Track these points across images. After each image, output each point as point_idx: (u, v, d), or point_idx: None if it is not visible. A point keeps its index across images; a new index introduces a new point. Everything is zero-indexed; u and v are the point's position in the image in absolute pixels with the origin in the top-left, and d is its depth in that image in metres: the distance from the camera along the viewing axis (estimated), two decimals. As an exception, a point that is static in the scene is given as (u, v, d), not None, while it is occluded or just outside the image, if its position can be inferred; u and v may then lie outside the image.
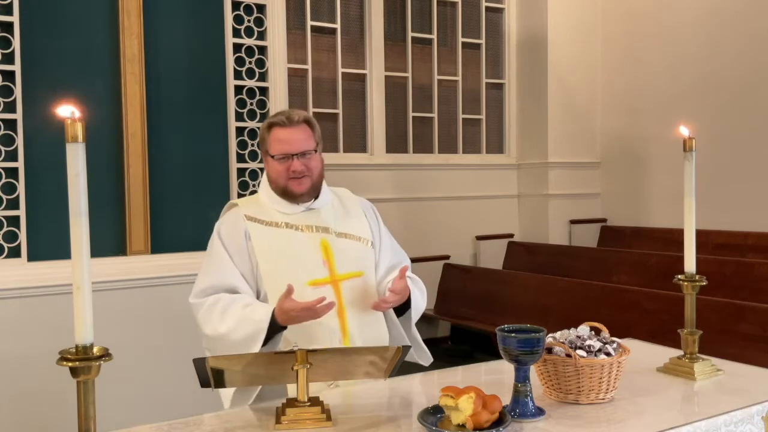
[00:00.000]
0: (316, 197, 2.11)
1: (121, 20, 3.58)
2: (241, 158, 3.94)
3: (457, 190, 6.51)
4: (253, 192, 3.96)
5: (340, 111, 5.98)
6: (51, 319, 3.17)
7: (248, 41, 3.94)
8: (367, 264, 2.11)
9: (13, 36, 3.32)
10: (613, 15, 6.76)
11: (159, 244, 3.69)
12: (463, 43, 6.68)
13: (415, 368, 2.14)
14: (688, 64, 6.07)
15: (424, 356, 2.19)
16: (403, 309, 2.11)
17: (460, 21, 6.66)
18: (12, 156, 3.35)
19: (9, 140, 3.35)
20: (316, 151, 2.06)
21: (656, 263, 5.40)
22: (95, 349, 1.21)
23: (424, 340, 2.22)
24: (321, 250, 2.05)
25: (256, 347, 1.88)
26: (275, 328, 1.90)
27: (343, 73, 6.05)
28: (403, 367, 2.00)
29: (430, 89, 6.56)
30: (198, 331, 2.01)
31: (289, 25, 5.25)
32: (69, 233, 1.19)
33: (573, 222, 6.82)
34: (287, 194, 2.06)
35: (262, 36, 4.00)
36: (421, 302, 2.18)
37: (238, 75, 3.91)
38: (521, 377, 1.61)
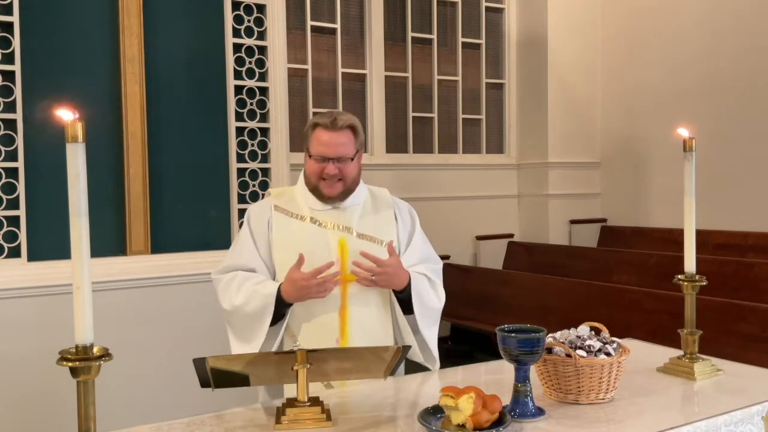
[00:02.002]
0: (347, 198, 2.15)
1: (121, 20, 3.58)
2: (241, 158, 3.94)
3: (457, 190, 6.51)
4: (254, 192, 3.97)
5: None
6: (51, 319, 3.16)
7: (248, 41, 3.94)
8: None
9: (13, 36, 3.32)
10: (613, 15, 6.76)
11: (159, 244, 3.69)
12: (463, 43, 6.68)
13: (415, 368, 2.14)
14: (688, 64, 6.07)
15: (431, 360, 2.15)
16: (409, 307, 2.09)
17: (460, 21, 6.65)
18: (12, 156, 3.34)
19: (9, 140, 3.34)
20: (353, 159, 2.09)
21: (656, 263, 5.40)
22: (95, 349, 1.21)
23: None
24: (338, 247, 2.08)
25: (267, 320, 1.98)
26: (284, 303, 1.99)
27: (343, 73, 6.05)
28: (404, 367, 2.00)
29: (430, 89, 6.56)
30: (217, 306, 2.13)
31: (289, 25, 5.24)
32: (69, 233, 1.20)
33: (573, 222, 6.82)
34: (317, 193, 2.12)
35: (262, 36, 4.00)
36: (430, 294, 2.12)
37: (238, 75, 3.91)
38: (521, 377, 1.61)
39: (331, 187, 2.08)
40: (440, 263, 2.28)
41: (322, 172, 2.06)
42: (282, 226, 2.10)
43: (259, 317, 1.99)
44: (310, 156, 2.09)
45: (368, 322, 2.06)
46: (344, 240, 2.09)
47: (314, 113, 5.83)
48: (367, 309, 2.07)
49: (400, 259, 2.08)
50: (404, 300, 2.07)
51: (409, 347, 1.76)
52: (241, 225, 3.85)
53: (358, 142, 2.11)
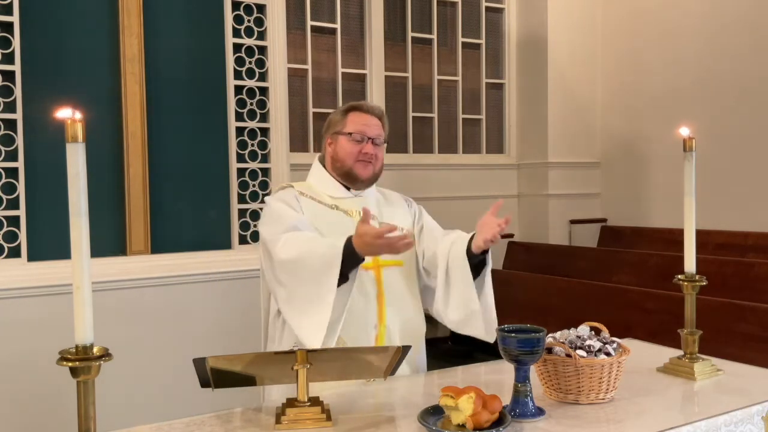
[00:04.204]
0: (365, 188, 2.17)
1: (121, 20, 3.58)
2: (241, 158, 3.94)
3: (457, 190, 6.51)
4: (254, 192, 3.97)
5: (340, 111, 5.97)
6: (51, 319, 3.16)
7: (248, 41, 3.94)
8: (407, 255, 2.12)
9: (13, 36, 3.32)
10: (613, 15, 6.76)
11: (159, 244, 3.68)
12: (463, 43, 6.68)
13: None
14: (688, 63, 6.07)
15: (491, 329, 2.08)
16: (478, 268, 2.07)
17: (460, 21, 6.65)
18: (12, 156, 3.35)
19: (9, 140, 3.34)
20: (386, 143, 2.15)
21: (656, 263, 5.40)
22: (95, 349, 1.21)
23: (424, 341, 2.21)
24: None
25: (335, 266, 1.82)
26: (351, 259, 1.85)
27: (343, 73, 6.05)
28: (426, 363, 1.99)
29: (430, 89, 6.56)
30: (268, 265, 1.97)
31: (289, 25, 5.24)
32: (69, 233, 1.19)
33: (573, 222, 6.81)
34: (349, 176, 2.11)
35: (262, 36, 4.00)
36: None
37: (238, 75, 3.91)
38: (521, 377, 1.61)
39: (365, 168, 2.09)
40: None
41: (359, 152, 2.07)
42: (310, 208, 2.07)
43: (326, 265, 1.84)
44: (349, 135, 2.08)
45: (402, 305, 2.08)
46: None
47: (315, 113, 5.84)
48: (400, 293, 2.08)
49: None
50: (476, 261, 2.05)
51: (409, 347, 1.75)
52: (242, 225, 3.88)
53: (385, 132, 2.16)
